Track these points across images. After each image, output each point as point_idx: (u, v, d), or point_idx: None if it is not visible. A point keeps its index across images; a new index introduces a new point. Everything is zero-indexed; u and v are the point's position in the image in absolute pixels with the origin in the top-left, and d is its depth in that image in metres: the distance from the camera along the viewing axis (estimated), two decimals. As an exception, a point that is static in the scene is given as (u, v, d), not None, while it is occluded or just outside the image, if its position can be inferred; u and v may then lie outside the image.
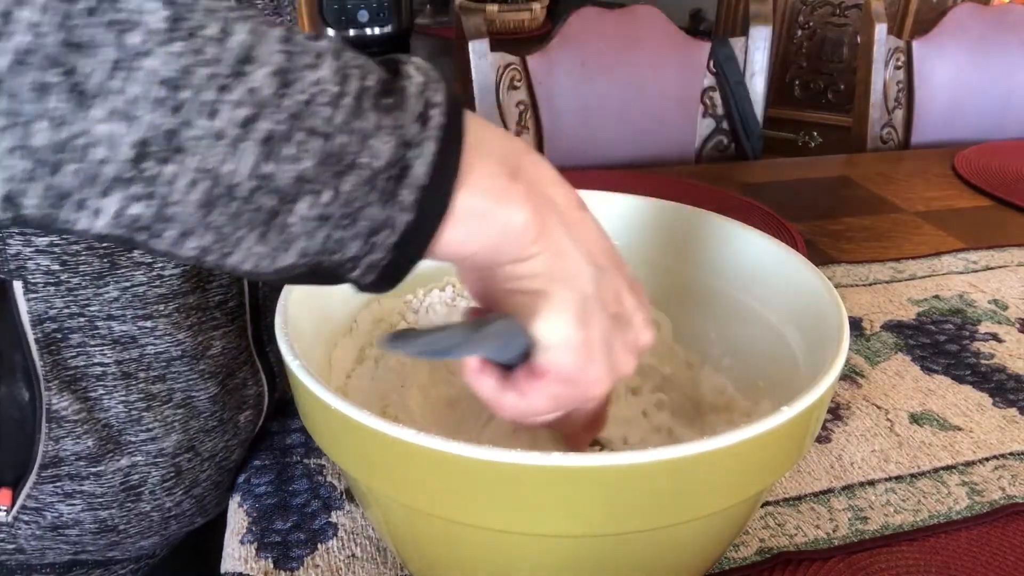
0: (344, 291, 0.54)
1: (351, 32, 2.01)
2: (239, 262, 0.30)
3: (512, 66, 1.23)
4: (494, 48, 1.20)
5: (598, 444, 0.49)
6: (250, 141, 0.27)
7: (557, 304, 0.35)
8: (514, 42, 1.76)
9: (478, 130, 0.33)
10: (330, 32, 2.00)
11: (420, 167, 0.30)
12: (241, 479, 0.57)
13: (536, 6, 2.37)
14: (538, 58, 1.24)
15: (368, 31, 2.03)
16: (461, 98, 0.33)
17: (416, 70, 0.32)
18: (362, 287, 0.34)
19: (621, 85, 1.29)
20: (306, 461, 0.58)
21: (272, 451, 0.60)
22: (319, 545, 0.52)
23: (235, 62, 0.27)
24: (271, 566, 0.50)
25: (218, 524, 0.58)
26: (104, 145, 0.26)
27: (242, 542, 0.52)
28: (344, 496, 0.56)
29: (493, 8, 2.27)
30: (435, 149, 0.30)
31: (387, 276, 0.33)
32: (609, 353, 0.37)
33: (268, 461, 0.59)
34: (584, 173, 1.16)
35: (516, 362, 0.37)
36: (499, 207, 0.33)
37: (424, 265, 0.58)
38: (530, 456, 0.34)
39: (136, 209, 0.27)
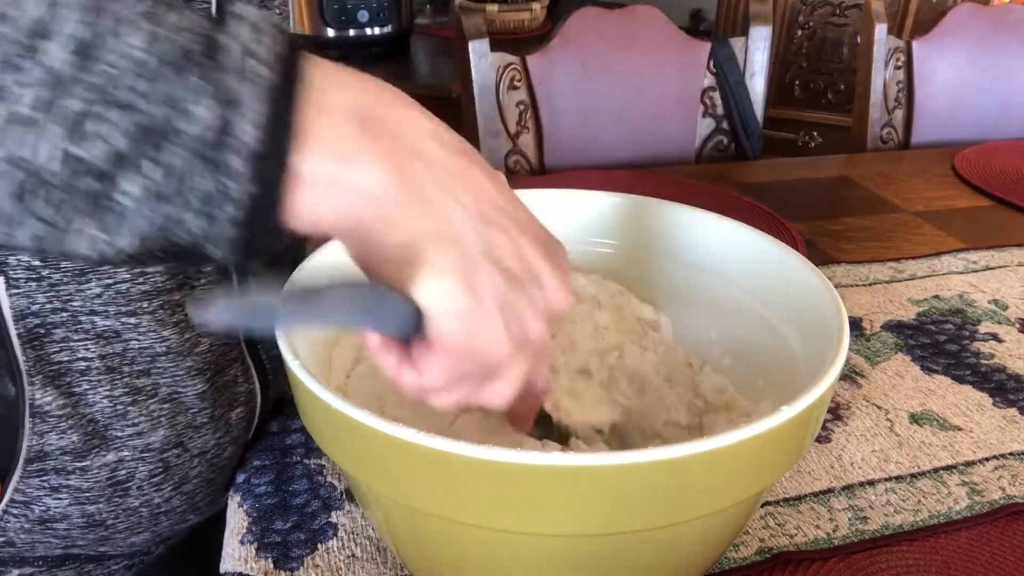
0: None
1: (351, 32, 2.01)
2: (80, 247, 0.28)
3: (512, 66, 1.23)
4: (494, 48, 1.20)
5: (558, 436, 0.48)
6: (53, 124, 0.25)
7: (437, 267, 0.31)
8: (514, 42, 1.75)
9: (322, 82, 0.29)
10: (330, 32, 2.00)
11: (247, 129, 0.27)
12: (241, 479, 0.57)
13: (536, 6, 2.37)
14: (538, 58, 1.24)
15: (368, 31, 2.02)
16: (299, 48, 0.29)
17: (245, 22, 0.29)
18: (239, 267, 0.32)
19: (621, 85, 1.29)
20: (306, 461, 0.58)
21: (272, 451, 0.60)
22: (319, 545, 0.52)
23: (27, 35, 0.25)
24: (271, 566, 0.50)
25: (217, 523, 0.58)
26: None
27: (242, 542, 0.52)
28: (344, 496, 0.56)
29: (493, 8, 2.27)
30: (263, 110, 0.27)
31: (252, 252, 0.30)
32: (508, 317, 0.33)
33: (268, 461, 0.59)
34: (584, 173, 1.16)
35: (414, 335, 0.34)
36: (350, 167, 0.30)
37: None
38: (530, 456, 0.34)
39: None
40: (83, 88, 0.26)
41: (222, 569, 0.51)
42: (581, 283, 0.57)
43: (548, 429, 0.49)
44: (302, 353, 0.41)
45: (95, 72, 0.26)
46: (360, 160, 0.30)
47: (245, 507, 0.55)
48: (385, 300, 0.32)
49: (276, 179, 0.28)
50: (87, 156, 0.26)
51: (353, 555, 0.51)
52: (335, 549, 0.52)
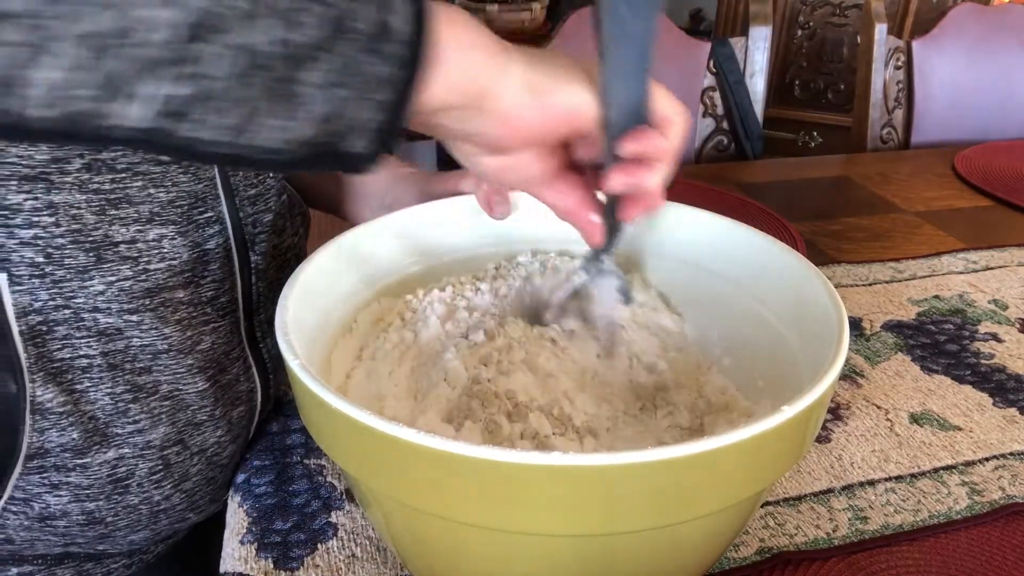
0: (344, 291, 0.54)
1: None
2: (262, 138, 0.33)
3: (512, 66, 1.23)
4: (494, 48, 1.20)
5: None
6: (271, 15, 0.31)
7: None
8: (514, 42, 1.76)
9: (436, 3, 0.37)
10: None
11: (402, 26, 0.34)
12: (241, 479, 0.57)
13: (536, 6, 2.37)
14: (538, 58, 1.24)
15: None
16: None
17: None
18: (360, 163, 0.36)
19: (621, 85, 1.29)
20: (306, 461, 0.58)
21: (272, 451, 0.60)
22: (319, 545, 0.52)
23: None
24: (271, 566, 0.50)
25: (217, 523, 0.58)
26: (160, 29, 0.29)
27: (242, 542, 0.52)
28: (344, 496, 0.56)
29: (493, 8, 2.27)
30: (411, 9, 0.34)
31: (381, 141, 0.36)
32: None
33: (268, 461, 0.59)
34: (584, 173, 1.16)
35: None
36: (472, 37, 0.38)
37: (424, 265, 0.58)
38: (530, 456, 0.34)
39: (181, 90, 0.30)
40: None
41: (222, 569, 0.51)
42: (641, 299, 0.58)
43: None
44: (302, 353, 0.41)
45: None
46: (478, 34, 0.38)
47: (245, 507, 0.55)
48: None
49: (421, 63, 0.35)
50: (295, 40, 0.32)
51: (353, 555, 0.51)
52: (335, 549, 0.52)
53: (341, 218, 0.72)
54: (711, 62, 1.32)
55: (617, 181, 0.44)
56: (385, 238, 0.57)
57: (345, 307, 0.54)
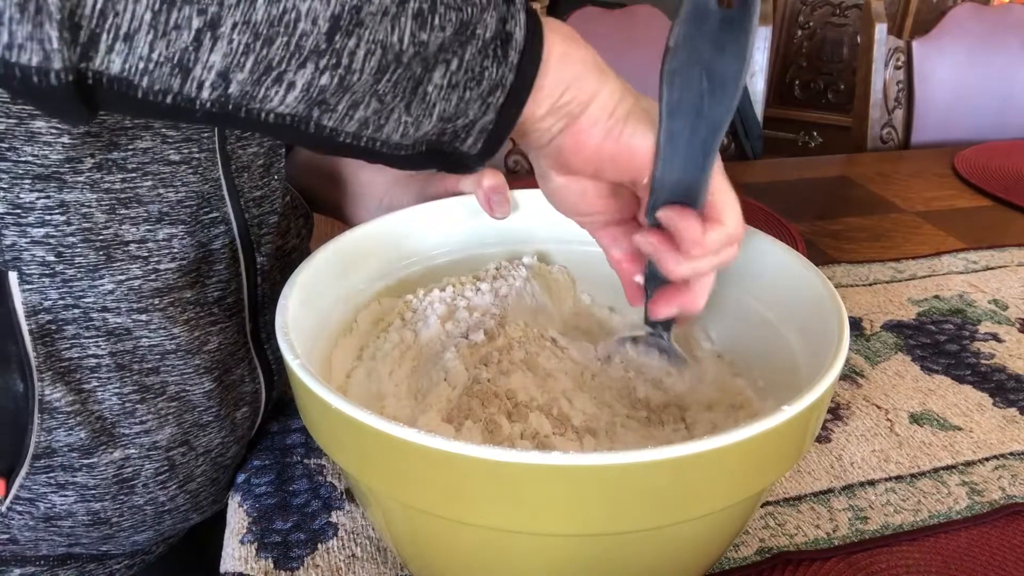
0: (344, 291, 0.54)
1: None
2: (391, 132, 0.36)
3: (512, 66, 1.23)
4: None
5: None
6: (407, 15, 0.33)
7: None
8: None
9: (545, 17, 0.40)
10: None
11: (518, 33, 0.37)
12: (241, 479, 0.57)
13: (536, 6, 2.38)
14: (538, 58, 1.24)
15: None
16: None
17: None
18: (467, 162, 0.39)
19: (621, 85, 1.29)
20: (306, 461, 0.58)
21: (272, 451, 0.60)
22: (319, 545, 0.52)
23: None
24: (271, 566, 0.50)
25: (218, 523, 0.58)
26: (308, 19, 0.31)
27: (242, 542, 0.52)
28: (344, 496, 0.56)
29: (493, 8, 2.28)
30: (525, 19, 0.37)
31: (491, 142, 0.39)
32: None
33: (268, 461, 0.59)
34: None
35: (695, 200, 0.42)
36: (574, 48, 0.40)
37: (424, 265, 0.58)
38: (530, 456, 0.34)
39: (323, 80, 0.33)
40: None
41: (222, 569, 0.51)
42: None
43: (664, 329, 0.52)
44: (302, 353, 0.41)
45: None
46: (580, 46, 0.40)
47: (245, 507, 0.55)
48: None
49: (535, 67, 0.37)
50: (427, 40, 0.34)
51: (353, 555, 0.51)
52: (335, 549, 0.52)
53: (341, 220, 0.72)
54: (711, 62, 1.31)
55: (639, 240, 0.44)
56: (385, 238, 0.57)
57: (345, 307, 0.54)
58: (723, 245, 0.43)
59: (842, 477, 0.59)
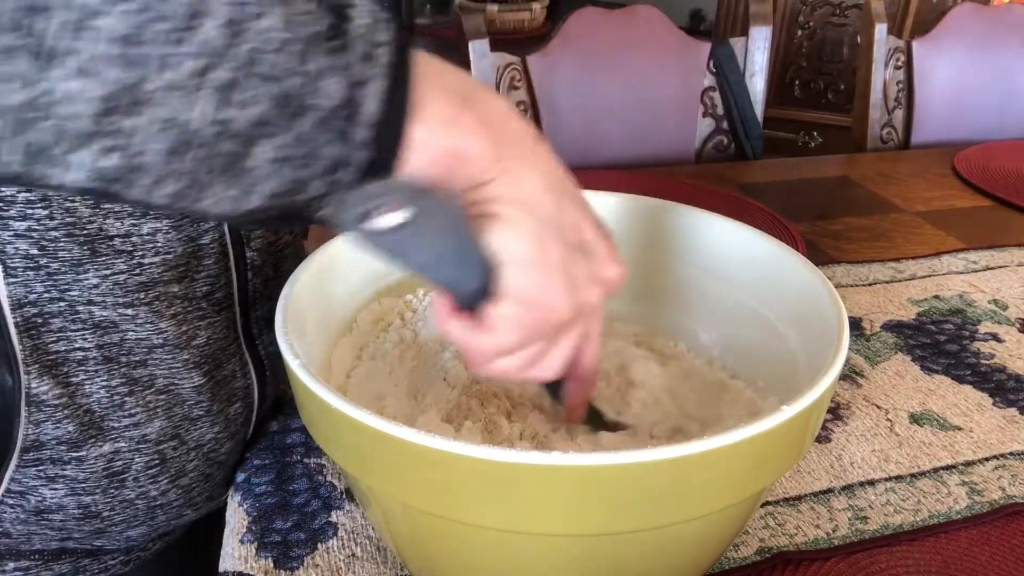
0: (344, 291, 0.54)
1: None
2: (210, 206, 0.32)
3: (512, 66, 1.23)
4: (494, 48, 1.20)
5: (622, 427, 0.49)
6: (207, 89, 0.29)
7: (513, 223, 0.35)
8: (514, 42, 1.76)
9: (427, 66, 0.34)
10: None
11: (371, 104, 0.31)
12: (241, 479, 0.57)
13: (536, 6, 2.37)
14: (538, 58, 1.24)
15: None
16: (408, 36, 0.33)
17: (363, 12, 0.32)
18: (331, 227, 0.34)
19: (621, 85, 1.29)
20: (306, 461, 0.58)
21: (272, 451, 0.60)
22: (319, 545, 0.52)
23: (186, 16, 0.28)
24: (271, 566, 0.50)
25: (215, 522, 0.57)
26: (70, 102, 0.27)
27: (242, 541, 0.52)
28: (344, 496, 0.56)
29: (493, 8, 2.27)
30: (385, 86, 0.31)
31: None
32: (570, 279, 0.37)
33: (268, 461, 0.59)
34: (584, 173, 1.15)
35: (482, 302, 0.37)
36: (454, 135, 0.34)
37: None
38: (530, 456, 0.34)
39: (108, 162, 0.29)
40: (232, 61, 0.29)
41: (221, 568, 0.51)
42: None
43: (598, 424, 0.49)
44: (302, 353, 0.41)
45: (243, 47, 0.29)
46: (463, 127, 0.34)
47: (245, 507, 0.55)
48: (466, 252, 0.36)
49: (394, 146, 0.32)
50: (233, 118, 0.30)
51: (353, 555, 0.51)
52: (335, 549, 0.52)
53: None
54: (711, 62, 1.32)
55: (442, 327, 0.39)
56: (385, 238, 0.57)
57: (345, 307, 0.54)
58: (491, 354, 0.38)
59: (842, 477, 0.59)
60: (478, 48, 1.19)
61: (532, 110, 1.25)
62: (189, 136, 0.29)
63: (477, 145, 0.34)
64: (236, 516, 0.54)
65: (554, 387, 0.46)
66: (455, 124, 0.34)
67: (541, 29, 2.43)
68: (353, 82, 0.31)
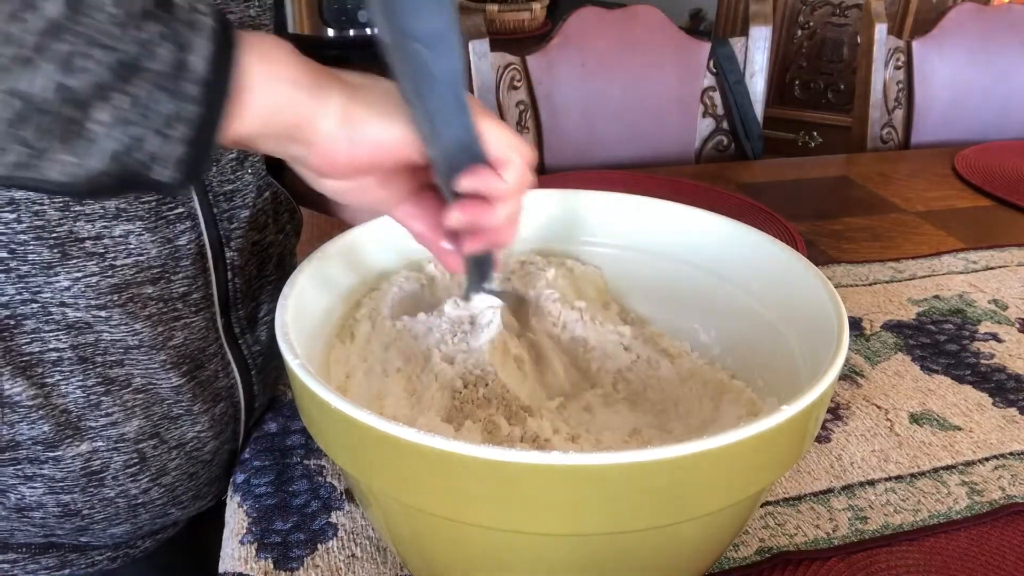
0: (344, 291, 0.54)
1: (351, 32, 2.01)
2: (54, 173, 0.34)
3: (512, 66, 1.23)
4: (494, 48, 1.20)
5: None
6: (49, 60, 0.31)
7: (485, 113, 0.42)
8: (514, 42, 1.76)
9: (252, 37, 0.38)
10: (330, 32, 2.00)
11: (199, 64, 0.35)
12: (241, 479, 0.57)
13: (536, 6, 2.37)
14: (538, 58, 1.24)
15: (368, 31, 2.02)
16: (228, 19, 0.37)
17: None
18: (172, 187, 0.37)
19: (621, 85, 1.29)
20: (306, 461, 0.58)
21: (272, 451, 0.60)
22: (319, 545, 0.52)
23: None
24: (271, 566, 0.50)
25: (212, 521, 0.57)
26: None
27: (242, 542, 0.52)
28: (344, 496, 0.56)
29: (493, 8, 2.27)
30: (211, 48, 0.35)
31: (189, 171, 0.37)
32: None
33: (268, 461, 0.59)
34: (584, 173, 1.16)
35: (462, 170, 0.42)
36: (281, 69, 0.38)
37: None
38: (530, 456, 0.34)
39: None
40: (72, 33, 0.32)
41: (221, 569, 0.51)
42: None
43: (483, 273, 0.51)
44: (302, 353, 0.41)
45: (81, 21, 0.32)
46: (286, 69, 0.38)
47: (245, 507, 0.55)
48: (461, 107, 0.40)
49: (221, 100, 0.36)
50: (74, 85, 0.32)
51: (353, 555, 0.51)
52: (335, 549, 0.52)
53: (332, 218, 0.71)
54: (711, 62, 1.32)
55: (454, 218, 0.44)
56: (384, 238, 0.57)
57: (345, 307, 0.54)
58: (522, 177, 0.44)
59: (842, 477, 0.58)
60: (478, 48, 1.19)
61: (532, 110, 1.25)
62: (32, 105, 0.32)
63: (298, 72, 0.39)
64: (236, 517, 0.54)
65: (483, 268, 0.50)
66: (281, 68, 0.38)
67: (541, 29, 2.43)
68: (181, 44, 0.34)
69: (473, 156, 0.42)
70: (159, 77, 0.34)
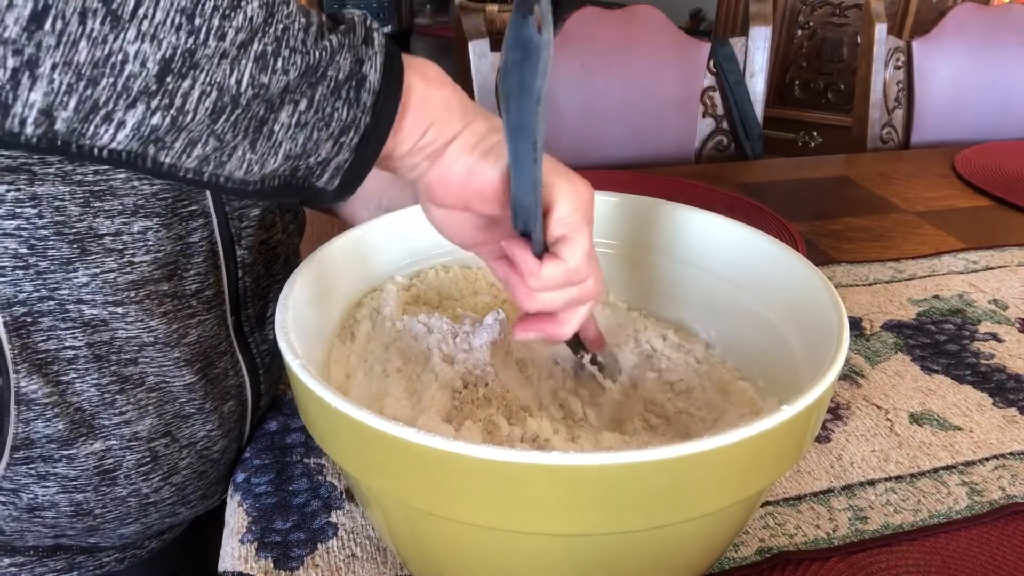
0: (344, 291, 0.54)
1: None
2: (233, 169, 0.36)
3: (512, 66, 1.23)
4: (494, 48, 1.20)
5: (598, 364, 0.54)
6: (248, 58, 0.34)
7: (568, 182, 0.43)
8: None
9: (410, 56, 0.41)
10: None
11: (373, 76, 0.37)
12: (241, 478, 0.57)
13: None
14: (538, 58, 1.24)
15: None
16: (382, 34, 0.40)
17: (351, 9, 0.40)
18: (324, 198, 0.40)
19: (621, 85, 1.29)
20: (306, 461, 0.58)
21: (272, 451, 0.60)
22: (319, 545, 0.52)
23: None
24: (271, 566, 0.50)
25: (212, 521, 0.57)
26: (136, 62, 0.31)
27: (242, 541, 0.52)
28: (344, 496, 0.56)
29: (493, 8, 2.27)
30: (382, 62, 0.38)
31: (348, 180, 0.40)
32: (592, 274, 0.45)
33: (268, 461, 0.59)
34: (584, 173, 1.16)
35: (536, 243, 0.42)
36: (436, 90, 0.41)
37: (423, 265, 0.58)
38: (530, 456, 0.34)
39: (155, 120, 0.33)
40: (269, 36, 0.34)
41: (221, 568, 0.51)
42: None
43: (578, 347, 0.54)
44: (302, 353, 0.41)
45: (276, 25, 0.35)
46: (443, 85, 0.41)
47: (245, 507, 0.55)
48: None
49: (391, 111, 0.38)
50: (268, 84, 0.34)
51: (353, 555, 0.51)
52: (335, 549, 0.52)
53: (341, 220, 0.72)
54: (711, 62, 1.32)
55: (496, 268, 0.45)
56: (384, 238, 0.57)
57: (345, 307, 0.54)
58: (562, 282, 0.43)
59: (842, 477, 0.59)
60: (478, 48, 1.19)
61: (532, 110, 1.25)
62: (230, 99, 0.34)
63: (454, 93, 0.41)
64: (236, 516, 0.54)
65: (574, 342, 0.53)
66: (439, 84, 0.41)
67: (541, 29, 2.43)
68: (357, 59, 0.37)
69: (529, 226, 0.42)
70: (340, 86, 0.36)
